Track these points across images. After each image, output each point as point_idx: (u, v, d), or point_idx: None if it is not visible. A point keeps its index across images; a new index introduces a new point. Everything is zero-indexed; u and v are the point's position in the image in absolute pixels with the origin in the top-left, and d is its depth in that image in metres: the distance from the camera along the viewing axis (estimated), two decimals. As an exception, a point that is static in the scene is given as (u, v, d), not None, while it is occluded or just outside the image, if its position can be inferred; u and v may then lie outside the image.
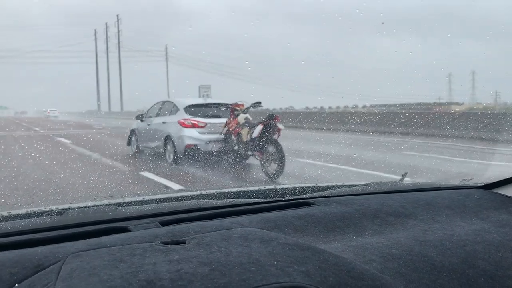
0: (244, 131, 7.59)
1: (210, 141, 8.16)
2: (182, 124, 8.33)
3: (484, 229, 1.15)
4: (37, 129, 20.84)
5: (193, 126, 8.30)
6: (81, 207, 1.31)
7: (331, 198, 1.38)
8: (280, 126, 7.02)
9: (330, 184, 1.72)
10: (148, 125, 9.42)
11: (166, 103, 9.60)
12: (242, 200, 1.40)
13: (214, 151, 8.13)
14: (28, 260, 0.83)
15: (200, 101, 9.19)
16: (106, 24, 45.48)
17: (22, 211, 1.28)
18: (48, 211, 1.25)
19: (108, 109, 44.06)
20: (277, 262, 0.79)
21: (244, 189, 1.63)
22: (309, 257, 0.83)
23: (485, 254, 1.00)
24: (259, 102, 8.23)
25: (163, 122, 8.93)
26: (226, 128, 8.10)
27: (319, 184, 1.71)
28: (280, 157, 6.70)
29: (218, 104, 8.97)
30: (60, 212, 1.22)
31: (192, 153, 8.08)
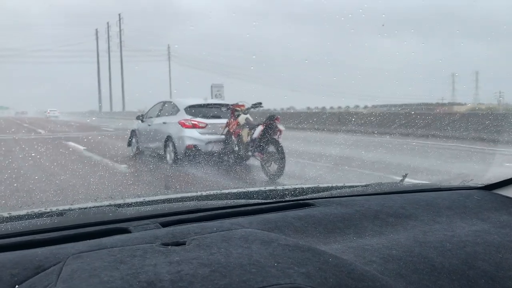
0: (244, 132, 7.59)
1: (210, 142, 8.17)
2: (183, 125, 8.33)
3: (485, 230, 1.15)
4: (41, 131, 19.33)
5: (194, 126, 8.30)
6: (82, 208, 1.31)
7: (332, 199, 1.38)
8: (281, 127, 7.03)
9: (330, 185, 1.72)
10: (149, 125, 9.42)
11: (166, 104, 9.60)
12: (242, 201, 1.40)
13: (215, 152, 8.13)
14: (29, 261, 0.83)
15: (201, 101, 9.20)
16: (107, 23, 45.51)
17: (23, 212, 1.28)
18: (48, 212, 1.25)
19: (110, 109, 44.06)
20: (277, 263, 0.79)
21: (244, 190, 1.63)
22: (309, 259, 0.83)
23: (485, 255, 1.00)
24: (260, 103, 8.23)
25: (164, 123, 8.93)
26: (226, 129, 8.11)
27: (319, 185, 1.71)
28: (281, 158, 6.70)
29: (219, 104, 8.98)
30: (60, 213, 1.22)
31: (192, 154, 8.08)
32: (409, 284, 0.87)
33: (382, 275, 0.86)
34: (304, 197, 1.46)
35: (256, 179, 6.97)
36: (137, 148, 9.75)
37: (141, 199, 1.50)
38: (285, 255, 0.84)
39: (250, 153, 7.40)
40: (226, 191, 1.64)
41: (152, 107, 10.04)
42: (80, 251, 0.86)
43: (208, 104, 9.15)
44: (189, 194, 1.59)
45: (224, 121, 8.29)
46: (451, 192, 1.51)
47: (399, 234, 1.10)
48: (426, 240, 1.06)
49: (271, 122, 7.01)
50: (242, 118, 7.86)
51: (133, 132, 9.97)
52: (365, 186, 1.66)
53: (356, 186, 1.67)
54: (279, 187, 1.64)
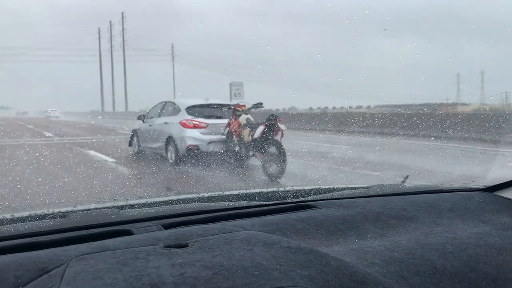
0: (245, 132, 7.60)
1: (211, 142, 8.17)
2: (184, 125, 8.34)
3: (486, 232, 1.15)
4: (49, 134, 16.52)
5: (195, 126, 8.30)
6: (84, 210, 1.32)
7: (333, 200, 1.39)
8: (282, 126, 7.02)
9: (332, 186, 1.72)
10: (150, 125, 9.43)
11: (167, 104, 9.60)
12: (244, 203, 1.40)
13: (216, 152, 8.14)
14: (32, 263, 0.83)
15: (202, 101, 9.21)
16: (110, 22, 45.51)
17: (26, 214, 1.29)
18: (51, 214, 1.25)
19: (113, 109, 44.00)
20: (279, 266, 0.80)
21: (246, 192, 1.63)
22: (311, 261, 0.84)
23: (487, 257, 1.00)
24: (261, 103, 8.24)
25: (165, 123, 8.94)
26: (227, 129, 8.12)
27: (321, 187, 1.72)
28: (282, 159, 6.70)
29: (220, 104, 8.98)
30: (63, 215, 1.23)
31: (193, 154, 8.09)
32: (411, 286, 0.87)
33: (384, 278, 0.86)
34: (306, 198, 1.46)
35: (257, 179, 6.96)
36: (139, 148, 9.76)
37: (143, 201, 1.50)
38: (287, 257, 0.84)
39: (251, 153, 7.40)
40: (228, 192, 1.64)
41: (153, 107, 10.05)
42: (83, 253, 0.87)
43: (209, 104, 9.15)
44: (191, 196, 1.59)
45: (225, 121, 8.29)
46: (452, 193, 1.51)
47: (400, 236, 1.10)
48: (428, 242, 1.06)
49: (272, 122, 7.01)
50: (243, 118, 7.86)
51: (134, 132, 9.99)
52: (367, 187, 1.66)
53: (357, 188, 1.67)
54: (281, 189, 1.64)
